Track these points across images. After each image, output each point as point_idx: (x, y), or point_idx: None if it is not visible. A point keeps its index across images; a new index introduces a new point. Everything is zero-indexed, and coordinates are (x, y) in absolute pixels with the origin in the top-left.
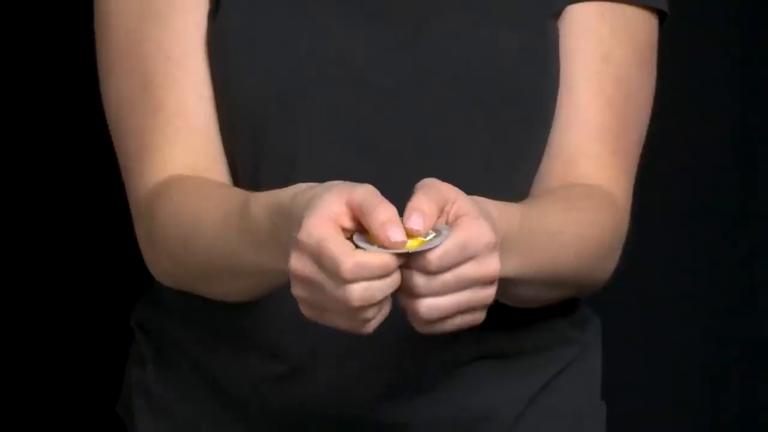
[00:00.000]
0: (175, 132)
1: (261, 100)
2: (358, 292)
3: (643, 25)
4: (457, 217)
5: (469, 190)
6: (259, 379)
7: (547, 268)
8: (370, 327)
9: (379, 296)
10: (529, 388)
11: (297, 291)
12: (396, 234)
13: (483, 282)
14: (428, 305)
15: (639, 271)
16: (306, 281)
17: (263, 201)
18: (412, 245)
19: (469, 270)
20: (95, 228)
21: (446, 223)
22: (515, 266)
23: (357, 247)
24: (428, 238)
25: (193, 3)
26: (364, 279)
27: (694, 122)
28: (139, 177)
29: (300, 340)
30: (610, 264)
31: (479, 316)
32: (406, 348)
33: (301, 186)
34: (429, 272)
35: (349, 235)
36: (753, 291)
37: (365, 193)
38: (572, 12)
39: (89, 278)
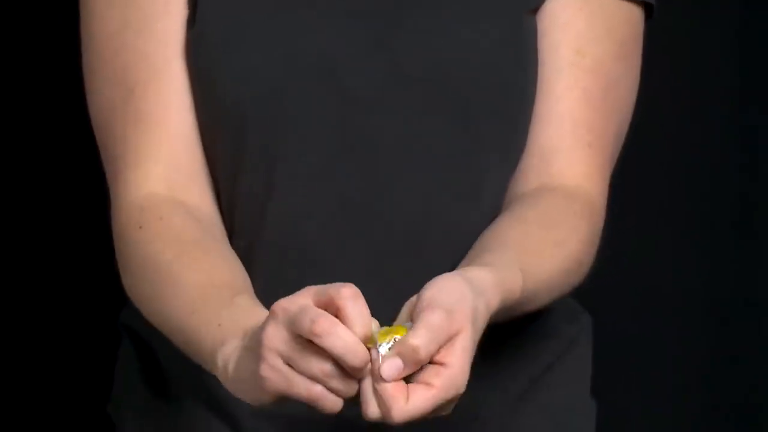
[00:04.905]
0: (157, 143)
1: (241, 102)
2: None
3: (626, 18)
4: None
5: (450, 190)
6: None
7: (537, 306)
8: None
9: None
10: (516, 385)
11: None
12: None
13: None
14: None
15: (637, 269)
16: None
17: (238, 325)
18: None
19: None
20: (84, 229)
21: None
22: (510, 317)
23: None
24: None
25: (174, 7)
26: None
27: (694, 121)
28: (119, 186)
29: None
30: (586, 270)
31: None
32: None
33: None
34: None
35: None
36: (752, 289)
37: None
38: (550, 7)
39: (81, 278)
